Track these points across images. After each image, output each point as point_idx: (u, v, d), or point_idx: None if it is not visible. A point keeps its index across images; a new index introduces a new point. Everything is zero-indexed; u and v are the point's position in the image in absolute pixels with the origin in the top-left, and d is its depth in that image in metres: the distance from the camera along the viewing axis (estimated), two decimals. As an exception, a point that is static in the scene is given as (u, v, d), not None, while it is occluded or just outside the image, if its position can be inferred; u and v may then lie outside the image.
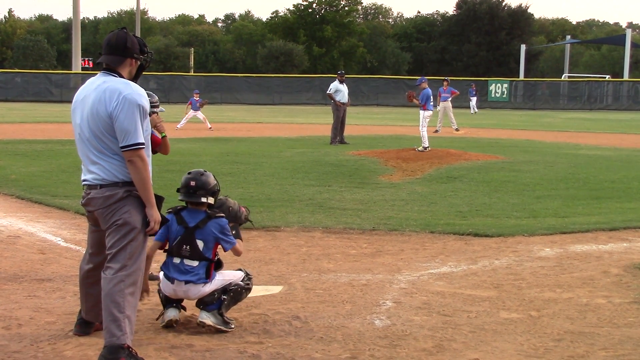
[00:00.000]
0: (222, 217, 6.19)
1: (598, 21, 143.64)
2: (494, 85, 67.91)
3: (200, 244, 6.02)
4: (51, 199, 12.35)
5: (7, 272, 7.88)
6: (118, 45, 5.43)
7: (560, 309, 6.68)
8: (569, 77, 78.69)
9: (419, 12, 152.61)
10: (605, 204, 12.86)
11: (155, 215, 5.38)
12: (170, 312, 6.05)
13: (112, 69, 5.42)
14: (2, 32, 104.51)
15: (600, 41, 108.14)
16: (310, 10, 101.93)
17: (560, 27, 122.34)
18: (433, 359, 5.43)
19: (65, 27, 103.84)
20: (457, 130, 31.06)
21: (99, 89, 5.32)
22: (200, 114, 30.89)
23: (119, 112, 5.21)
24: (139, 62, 5.55)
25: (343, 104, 24.81)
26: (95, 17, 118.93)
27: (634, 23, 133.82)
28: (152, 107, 7.58)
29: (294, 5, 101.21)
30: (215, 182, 6.27)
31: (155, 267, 6.66)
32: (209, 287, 6.03)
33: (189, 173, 6.20)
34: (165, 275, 6.04)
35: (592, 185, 15.15)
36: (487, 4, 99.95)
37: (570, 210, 12.16)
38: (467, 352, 5.56)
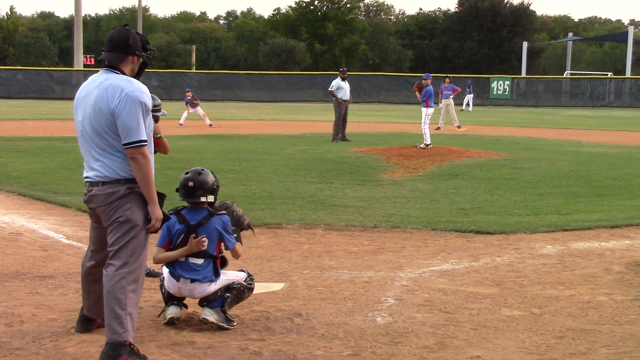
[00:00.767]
0: (225, 214, 6.19)
1: (600, 18, 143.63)
2: (495, 82, 67.86)
3: (212, 234, 6.05)
4: (53, 196, 12.36)
5: (9, 269, 7.89)
6: (120, 42, 5.41)
7: (562, 306, 6.67)
8: (571, 74, 78.66)
9: (420, 9, 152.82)
10: (607, 201, 12.86)
11: (157, 212, 5.37)
12: (172, 310, 6.05)
13: (114, 66, 5.40)
14: (4, 29, 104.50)
15: (603, 38, 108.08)
16: (312, 7, 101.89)
17: (562, 24, 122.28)
18: (435, 356, 5.43)
19: (67, 24, 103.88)
20: (458, 127, 31.04)
21: (101, 86, 5.31)
22: (200, 110, 30.90)
23: (122, 110, 5.20)
24: (141, 60, 5.52)
25: (345, 101, 24.79)
26: (97, 14, 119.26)
27: (636, 20, 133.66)
28: (154, 110, 7.58)
29: (295, 2, 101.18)
30: (214, 179, 6.25)
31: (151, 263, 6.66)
32: (214, 287, 6.04)
33: (187, 173, 6.17)
34: (171, 273, 6.04)
35: (594, 182, 15.15)
36: (489, 1, 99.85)
37: (572, 208, 12.16)
38: (468, 350, 5.56)
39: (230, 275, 6.23)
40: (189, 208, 6.14)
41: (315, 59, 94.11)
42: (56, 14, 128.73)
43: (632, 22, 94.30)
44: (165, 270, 6.09)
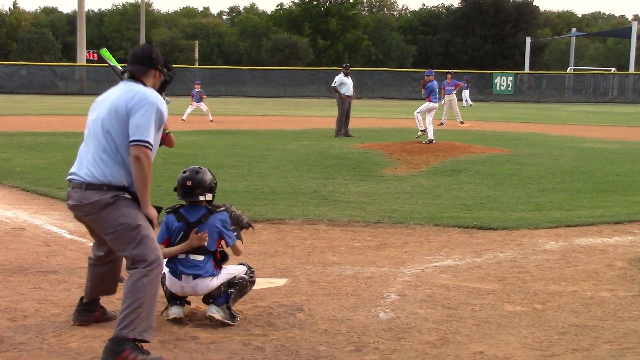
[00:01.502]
0: (223, 211, 6.19)
1: (604, 14, 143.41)
2: (499, 78, 67.80)
3: (212, 231, 6.05)
4: (56, 191, 12.36)
5: (13, 264, 7.90)
6: (144, 55, 5.59)
7: (565, 302, 6.67)
8: (574, 70, 78.55)
9: (423, 4, 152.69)
10: (610, 197, 12.85)
11: (152, 213, 5.40)
12: (175, 310, 6.05)
13: (137, 79, 5.51)
14: (7, 24, 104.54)
15: (606, 34, 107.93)
16: (315, 2, 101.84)
17: (565, 20, 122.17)
18: (437, 352, 5.44)
19: (70, 20, 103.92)
20: (461, 123, 31.03)
21: (123, 90, 5.42)
22: (203, 106, 30.89)
23: (138, 109, 5.27)
24: (163, 77, 5.67)
25: (348, 96, 24.78)
26: (99, 9, 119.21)
27: (639, 16, 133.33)
28: None
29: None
30: (212, 177, 6.23)
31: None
32: (216, 281, 6.04)
33: (184, 172, 6.14)
34: (172, 272, 6.04)
35: (597, 178, 15.13)
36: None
37: (575, 204, 12.15)
38: (471, 345, 5.57)
39: (231, 270, 6.23)
40: (187, 206, 6.13)
41: (318, 55, 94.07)
42: (59, 9, 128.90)
43: (636, 18, 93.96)
44: (165, 270, 6.08)
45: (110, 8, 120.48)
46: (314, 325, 5.97)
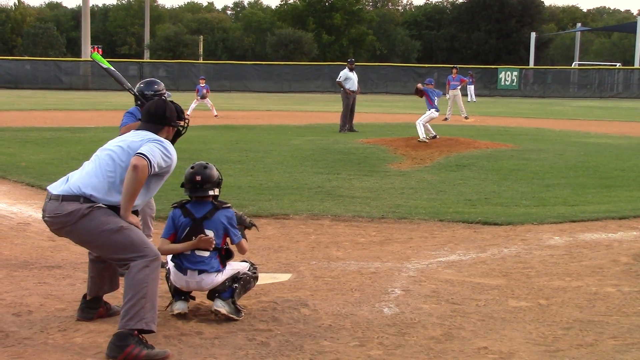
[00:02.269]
0: (230, 207, 6.20)
1: (609, 9, 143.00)
2: (503, 73, 67.68)
3: (210, 233, 6.02)
4: (61, 187, 12.37)
5: (18, 259, 7.92)
6: (157, 113, 5.73)
7: (570, 297, 6.67)
8: (579, 65, 78.40)
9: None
10: (615, 193, 12.83)
11: (132, 220, 5.43)
12: (179, 305, 6.04)
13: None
14: (12, 19, 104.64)
15: (611, 29, 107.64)
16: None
17: (570, 15, 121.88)
18: (442, 347, 5.44)
19: (75, 15, 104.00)
20: (466, 118, 30.99)
21: (140, 135, 5.61)
22: (208, 101, 30.90)
23: (149, 142, 5.45)
24: (176, 129, 5.85)
25: (353, 91, 24.76)
26: (104, 4, 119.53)
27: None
28: (158, 94, 7.64)
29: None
30: (218, 173, 6.25)
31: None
32: (221, 277, 6.04)
33: (192, 167, 6.16)
34: (177, 267, 6.04)
35: (602, 173, 15.11)
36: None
37: (579, 199, 12.13)
38: (475, 340, 5.57)
39: (234, 266, 6.24)
40: (194, 202, 6.13)
41: (323, 50, 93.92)
42: (64, 5, 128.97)
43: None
44: (170, 265, 6.09)
45: (114, 3, 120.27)
46: (318, 321, 5.97)
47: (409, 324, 5.92)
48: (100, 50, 78.24)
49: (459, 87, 31.71)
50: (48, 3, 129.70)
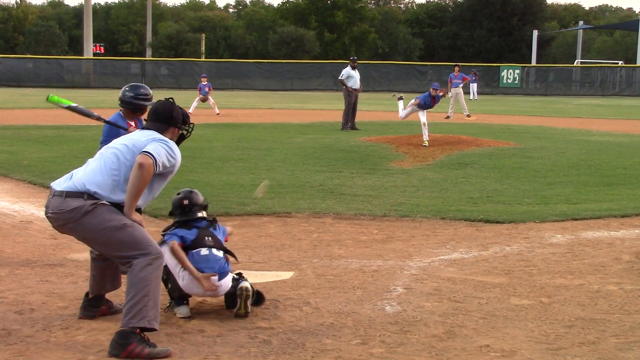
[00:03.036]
0: (217, 221, 6.41)
1: (611, 7, 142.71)
2: (505, 71, 67.58)
3: (218, 235, 6.24)
4: (63, 185, 12.38)
5: (20, 257, 7.93)
6: (164, 114, 5.75)
7: (572, 295, 6.67)
8: (581, 63, 78.31)
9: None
10: (617, 191, 12.83)
11: (136, 218, 5.45)
12: (184, 310, 6.04)
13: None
14: (14, 17, 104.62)
15: (613, 27, 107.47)
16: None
17: (572, 13, 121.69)
18: (444, 345, 5.44)
19: (77, 13, 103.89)
20: (468, 116, 30.95)
21: (146, 134, 5.62)
22: (210, 99, 30.88)
23: (154, 141, 5.47)
24: (180, 131, 5.84)
25: (355, 90, 24.75)
26: (106, 2, 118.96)
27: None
28: (145, 99, 7.54)
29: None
30: (203, 198, 6.47)
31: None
32: (229, 280, 6.09)
33: (179, 194, 6.36)
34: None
35: (604, 171, 15.10)
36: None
37: (581, 197, 12.13)
38: (477, 339, 5.57)
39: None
40: (183, 229, 6.19)
41: (325, 48, 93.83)
42: (66, 3, 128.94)
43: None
44: (183, 274, 6.02)
45: (116, 1, 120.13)
46: (321, 319, 5.98)
47: (411, 322, 5.92)
48: (102, 48, 78.31)
49: (461, 85, 31.64)
50: (50, 1, 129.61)
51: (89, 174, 5.44)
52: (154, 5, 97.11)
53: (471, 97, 47.90)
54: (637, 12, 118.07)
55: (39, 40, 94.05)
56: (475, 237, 9.11)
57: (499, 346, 5.41)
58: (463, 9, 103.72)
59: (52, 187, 5.52)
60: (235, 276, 6.14)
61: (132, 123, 7.50)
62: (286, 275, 7.33)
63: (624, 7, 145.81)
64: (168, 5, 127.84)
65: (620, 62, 79.42)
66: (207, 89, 30.92)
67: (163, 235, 6.18)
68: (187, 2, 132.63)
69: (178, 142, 5.81)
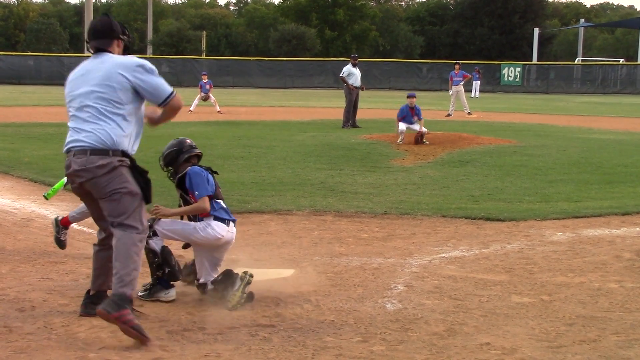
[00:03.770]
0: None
1: (612, 4, 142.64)
2: (506, 69, 67.56)
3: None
4: (64, 182, 12.39)
5: (21, 255, 7.94)
6: (104, 29, 5.78)
7: (572, 293, 6.67)
8: (582, 60, 78.24)
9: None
10: (618, 189, 12.82)
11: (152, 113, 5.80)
12: (172, 292, 6.37)
13: (103, 50, 5.72)
14: (15, 15, 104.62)
15: (614, 24, 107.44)
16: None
17: (574, 11, 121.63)
18: (444, 343, 5.44)
19: (78, 10, 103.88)
20: (469, 114, 30.97)
21: (109, 62, 5.61)
22: (211, 97, 30.89)
23: (143, 77, 5.57)
24: (123, 43, 5.86)
25: (356, 87, 24.75)
26: (107, 0, 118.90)
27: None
28: None
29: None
30: None
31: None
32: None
33: (177, 138, 6.62)
34: (224, 220, 6.35)
35: (605, 169, 15.10)
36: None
37: (582, 195, 12.13)
38: (478, 336, 5.57)
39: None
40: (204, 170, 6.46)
41: (326, 45, 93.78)
42: (66, 0, 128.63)
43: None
44: (218, 223, 6.30)
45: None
46: (321, 316, 5.98)
47: (411, 319, 5.93)
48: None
49: (462, 83, 31.65)
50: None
51: (100, 128, 5.51)
52: (155, 3, 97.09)
53: (472, 95, 47.88)
54: (638, 9, 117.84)
55: (39, 37, 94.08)
56: (476, 235, 9.11)
57: (499, 344, 5.41)
58: (464, 6, 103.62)
59: (72, 147, 5.57)
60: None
61: None
62: (287, 272, 7.32)
63: (625, 5, 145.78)
64: (169, 2, 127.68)
65: (622, 60, 79.31)
66: (207, 87, 30.93)
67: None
68: (187, 0, 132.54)
69: (123, 53, 5.83)
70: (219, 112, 29.88)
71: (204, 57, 78.70)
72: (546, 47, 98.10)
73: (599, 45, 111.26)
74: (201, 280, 6.39)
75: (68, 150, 5.57)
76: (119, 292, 5.33)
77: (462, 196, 11.89)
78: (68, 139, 5.60)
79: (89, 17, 67.35)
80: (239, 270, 6.33)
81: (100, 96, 5.49)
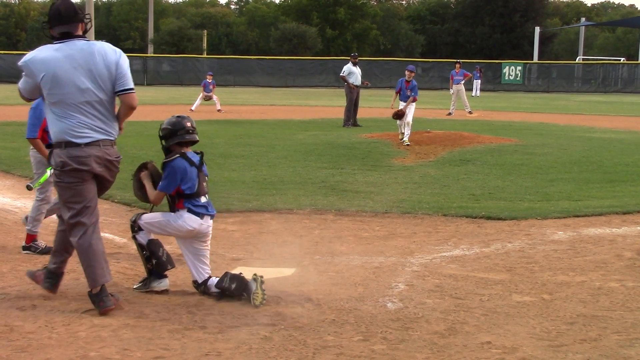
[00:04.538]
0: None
1: (613, 3, 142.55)
2: (507, 67, 67.58)
3: (206, 179, 6.51)
4: (65, 181, 12.38)
5: (22, 253, 7.94)
6: (69, 13, 5.93)
7: (573, 292, 6.67)
8: (583, 59, 78.23)
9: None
10: (619, 187, 12.82)
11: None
12: (165, 282, 6.49)
13: (71, 35, 5.91)
14: (16, 14, 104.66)
15: (615, 23, 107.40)
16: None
17: (575, 9, 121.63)
18: (445, 342, 5.44)
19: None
20: (470, 113, 30.96)
21: (91, 50, 5.86)
22: (213, 96, 30.90)
23: (122, 62, 5.86)
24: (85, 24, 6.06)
25: (356, 86, 24.76)
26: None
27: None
28: None
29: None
30: None
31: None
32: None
33: (178, 117, 6.50)
34: (200, 215, 6.33)
35: (606, 168, 15.10)
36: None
37: (583, 194, 12.12)
38: (479, 335, 5.57)
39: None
40: (187, 152, 6.44)
41: (327, 44, 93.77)
42: None
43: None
44: (184, 213, 6.31)
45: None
46: (322, 315, 5.98)
47: (412, 318, 5.93)
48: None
49: (463, 82, 31.64)
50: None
51: (106, 124, 5.95)
52: (156, 2, 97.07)
53: (473, 94, 47.85)
54: (639, 8, 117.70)
55: (40, 36, 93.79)
56: (477, 234, 9.11)
57: (500, 343, 5.41)
58: (465, 5, 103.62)
59: (102, 138, 5.87)
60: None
61: None
62: (288, 271, 7.32)
63: (626, 4, 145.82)
64: (170, 1, 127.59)
65: (623, 58, 79.32)
66: (211, 87, 30.93)
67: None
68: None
69: (83, 34, 5.96)
70: (219, 110, 29.87)
71: (205, 56, 78.70)
72: (547, 46, 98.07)
73: (600, 44, 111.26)
74: (195, 279, 6.39)
75: (95, 142, 5.82)
76: (101, 288, 6.03)
77: (463, 195, 11.89)
78: (87, 131, 5.80)
79: (90, 16, 67.36)
80: (241, 272, 6.37)
81: (104, 91, 5.81)
